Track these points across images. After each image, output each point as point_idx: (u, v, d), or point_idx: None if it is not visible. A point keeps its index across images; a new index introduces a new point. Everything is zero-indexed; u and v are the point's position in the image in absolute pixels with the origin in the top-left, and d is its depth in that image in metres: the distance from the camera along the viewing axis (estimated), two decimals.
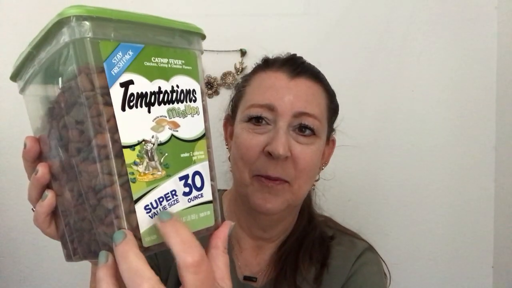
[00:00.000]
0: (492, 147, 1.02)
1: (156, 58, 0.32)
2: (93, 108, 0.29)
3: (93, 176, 0.30)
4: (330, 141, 0.71)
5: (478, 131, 1.02)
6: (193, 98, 0.35)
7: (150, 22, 0.33)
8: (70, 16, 0.28)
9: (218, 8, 1.01)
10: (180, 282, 0.30)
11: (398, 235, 1.03)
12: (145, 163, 0.31)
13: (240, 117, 0.66)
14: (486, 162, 1.02)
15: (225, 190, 0.78)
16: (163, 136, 0.32)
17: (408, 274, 1.03)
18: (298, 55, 0.70)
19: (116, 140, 0.29)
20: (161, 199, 0.32)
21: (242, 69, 0.99)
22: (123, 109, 0.30)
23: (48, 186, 0.37)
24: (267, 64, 0.68)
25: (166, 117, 0.33)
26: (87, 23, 0.29)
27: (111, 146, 0.29)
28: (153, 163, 0.31)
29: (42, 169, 0.36)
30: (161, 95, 0.32)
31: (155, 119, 0.32)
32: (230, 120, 0.72)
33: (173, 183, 0.33)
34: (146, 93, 0.31)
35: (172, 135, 0.33)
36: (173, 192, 0.33)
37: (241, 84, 0.71)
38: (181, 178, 0.33)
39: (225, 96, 0.96)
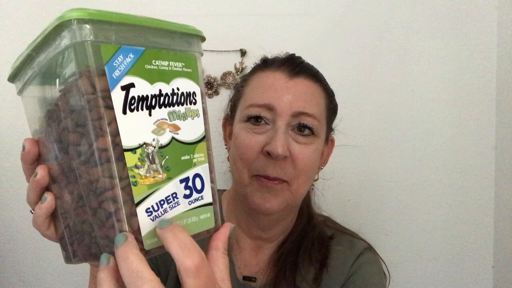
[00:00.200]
0: (492, 147, 1.02)
1: (156, 61, 0.32)
2: (94, 111, 0.29)
3: (94, 179, 0.30)
4: (329, 141, 0.71)
5: (478, 131, 1.02)
6: (193, 100, 0.35)
7: (151, 25, 0.32)
8: (71, 19, 0.28)
9: (218, 8, 1.00)
10: (179, 283, 0.30)
11: (398, 235, 1.03)
12: (146, 166, 0.31)
13: (239, 117, 0.65)
14: (486, 162, 1.02)
15: (224, 190, 0.77)
16: (164, 139, 0.32)
17: (408, 274, 1.03)
18: (297, 55, 0.69)
19: (117, 143, 0.29)
20: (162, 202, 0.32)
21: (242, 69, 0.99)
22: (124, 112, 0.30)
23: (47, 188, 0.37)
24: (266, 64, 0.68)
25: (166, 120, 0.33)
26: (88, 26, 0.28)
27: (112, 150, 0.29)
28: (154, 166, 0.31)
29: (41, 172, 0.36)
30: (162, 98, 0.32)
31: (156, 122, 0.32)
32: (229, 120, 0.72)
33: (174, 186, 0.33)
34: (147, 96, 0.31)
35: (173, 137, 0.33)
36: (174, 195, 0.33)
37: (240, 84, 0.71)
38: (181, 181, 0.33)
39: (225, 96, 0.96)
